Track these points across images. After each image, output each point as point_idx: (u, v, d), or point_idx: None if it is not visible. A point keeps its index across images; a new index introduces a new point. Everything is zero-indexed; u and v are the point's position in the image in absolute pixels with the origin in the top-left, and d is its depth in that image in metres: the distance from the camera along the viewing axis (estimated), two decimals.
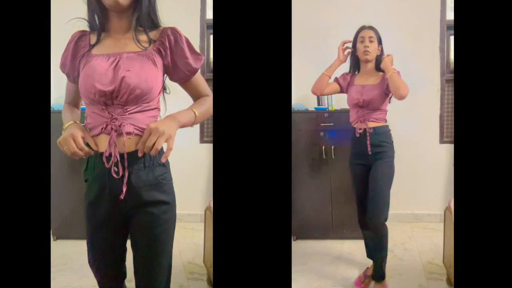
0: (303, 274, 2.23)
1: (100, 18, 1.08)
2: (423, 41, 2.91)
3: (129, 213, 1.08)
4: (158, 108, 1.13)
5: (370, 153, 1.96)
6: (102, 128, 1.04)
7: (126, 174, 1.02)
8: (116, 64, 1.02)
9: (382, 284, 2.00)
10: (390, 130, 2.01)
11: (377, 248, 2.00)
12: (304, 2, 2.87)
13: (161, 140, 0.98)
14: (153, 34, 1.11)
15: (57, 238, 2.73)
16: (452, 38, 2.95)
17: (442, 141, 3.00)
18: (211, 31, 2.99)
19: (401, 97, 1.87)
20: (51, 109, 2.66)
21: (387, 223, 1.96)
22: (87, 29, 1.14)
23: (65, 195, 2.66)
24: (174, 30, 1.12)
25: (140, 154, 1.02)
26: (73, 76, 1.14)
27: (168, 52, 1.09)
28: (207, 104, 1.19)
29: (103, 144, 1.04)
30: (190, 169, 3.00)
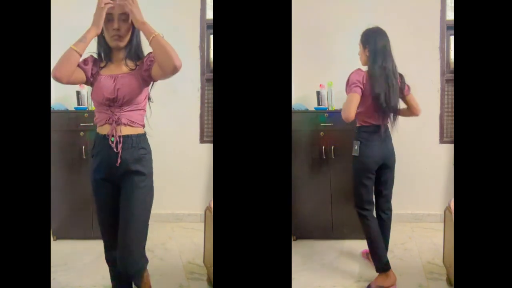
0: (303, 274, 2.23)
1: (106, 52, 1.59)
2: (423, 41, 2.91)
3: (119, 177, 1.54)
4: (144, 109, 1.61)
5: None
6: (106, 120, 1.54)
7: (120, 151, 1.52)
8: (115, 81, 1.54)
9: (386, 275, 2.02)
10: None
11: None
12: (304, 2, 2.87)
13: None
14: (139, 62, 1.59)
15: (57, 238, 2.73)
16: (452, 38, 2.94)
17: (442, 141, 3.00)
18: (211, 31, 2.98)
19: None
20: (51, 109, 2.66)
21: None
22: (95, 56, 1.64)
23: (65, 195, 2.66)
24: (149, 55, 1.56)
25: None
26: (87, 73, 1.58)
27: (145, 66, 1.55)
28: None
29: (107, 130, 1.53)
30: (190, 169, 3.00)
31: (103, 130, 1.54)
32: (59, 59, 1.44)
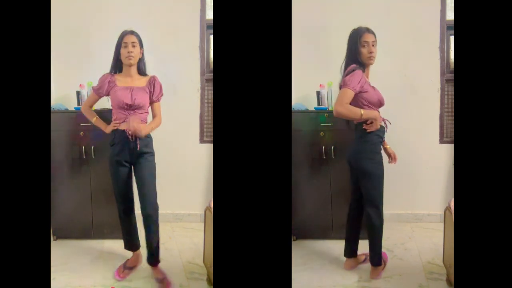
0: (303, 274, 2.23)
1: (120, 68, 2.18)
2: (423, 41, 2.90)
3: (135, 158, 2.13)
4: (147, 112, 2.20)
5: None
6: (124, 119, 2.11)
7: (138, 140, 2.10)
8: (131, 91, 2.12)
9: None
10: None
11: None
12: (304, 2, 2.87)
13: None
14: (146, 78, 2.21)
15: (57, 238, 2.73)
16: (452, 38, 2.94)
17: (442, 141, 2.99)
18: (211, 31, 2.98)
19: None
20: (51, 109, 2.66)
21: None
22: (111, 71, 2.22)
23: (65, 195, 2.66)
24: (156, 78, 2.22)
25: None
26: (101, 94, 2.19)
27: (152, 88, 2.19)
28: (155, 121, 2.27)
29: (125, 126, 2.10)
30: (190, 169, 3.00)
31: (122, 126, 2.12)
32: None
